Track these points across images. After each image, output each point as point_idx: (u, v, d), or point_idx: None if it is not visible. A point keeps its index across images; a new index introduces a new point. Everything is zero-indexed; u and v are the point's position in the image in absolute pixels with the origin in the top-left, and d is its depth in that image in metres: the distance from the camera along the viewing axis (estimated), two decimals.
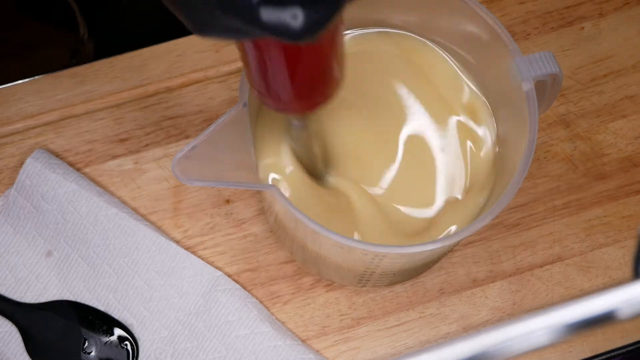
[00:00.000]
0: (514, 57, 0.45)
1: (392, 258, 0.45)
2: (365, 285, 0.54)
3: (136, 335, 0.53)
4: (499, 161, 0.50)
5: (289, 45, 0.34)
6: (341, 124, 0.50)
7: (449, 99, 0.50)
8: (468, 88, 0.51)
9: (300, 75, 0.37)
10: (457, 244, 0.55)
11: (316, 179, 0.48)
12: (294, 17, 0.28)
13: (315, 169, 0.48)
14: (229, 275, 0.54)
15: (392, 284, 0.55)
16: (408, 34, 0.51)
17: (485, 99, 0.50)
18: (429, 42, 0.51)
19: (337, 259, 0.48)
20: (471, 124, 0.50)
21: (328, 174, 0.49)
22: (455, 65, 0.51)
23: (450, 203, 0.49)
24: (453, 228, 0.48)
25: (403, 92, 0.51)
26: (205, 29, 0.31)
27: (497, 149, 0.50)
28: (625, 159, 0.59)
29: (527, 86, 0.45)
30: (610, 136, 0.59)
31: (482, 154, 0.50)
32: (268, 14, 0.28)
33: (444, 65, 0.51)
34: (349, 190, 0.48)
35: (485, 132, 0.50)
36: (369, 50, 0.52)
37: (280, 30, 0.29)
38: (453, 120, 0.50)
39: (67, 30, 0.74)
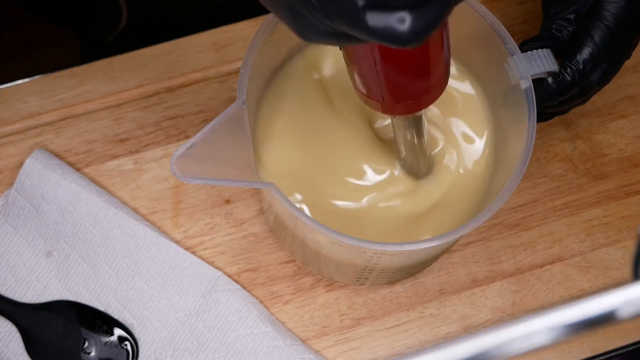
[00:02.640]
0: (512, 55, 0.45)
1: (391, 255, 0.46)
2: (364, 284, 0.54)
3: (136, 335, 0.53)
4: (497, 160, 0.50)
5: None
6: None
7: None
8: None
9: (416, 74, 0.37)
10: (456, 241, 0.55)
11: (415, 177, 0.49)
12: (401, 22, 0.27)
13: (421, 170, 0.48)
14: (229, 275, 0.54)
15: (391, 281, 0.55)
16: None
17: (483, 98, 0.51)
18: None
19: (337, 256, 0.48)
20: (465, 121, 0.50)
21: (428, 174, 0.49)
22: (454, 64, 0.51)
23: (448, 200, 0.49)
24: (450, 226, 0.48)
25: None
26: (310, 34, 0.31)
27: (490, 148, 0.50)
28: (625, 159, 0.59)
29: (525, 84, 0.45)
30: (610, 136, 0.59)
31: (476, 151, 0.50)
32: (374, 19, 0.28)
33: None
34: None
35: (479, 131, 0.50)
36: None
37: (386, 36, 0.28)
38: (448, 119, 0.50)
39: (75, 29, 0.74)
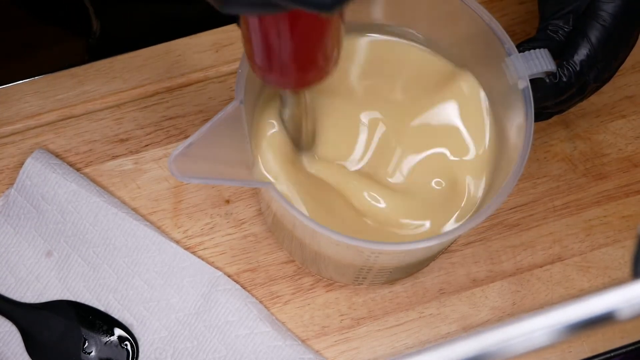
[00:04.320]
0: (510, 55, 0.46)
1: (389, 254, 0.46)
2: (362, 283, 0.54)
3: (136, 335, 0.53)
4: (495, 160, 0.50)
5: (302, 18, 0.35)
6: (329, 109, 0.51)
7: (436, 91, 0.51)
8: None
9: (306, 48, 0.38)
10: (454, 240, 0.55)
11: (301, 154, 0.49)
12: None
13: (303, 145, 0.49)
14: (229, 276, 0.54)
15: (390, 281, 0.55)
16: (402, 40, 0.52)
17: (481, 98, 0.51)
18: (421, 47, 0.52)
19: (335, 256, 0.48)
20: (460, 118, 0.51)
21: (314, 152, 0.50)
22: (452, 64, 0.51)
23: (445, 197, 0.49)
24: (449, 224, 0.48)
25: (385, 84, 0.51)
26: (231, 4, 0.32)
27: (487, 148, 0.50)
28: (625, 159, 0.59)
29: (523, 84, 0.45)
30: (610, 136, 0.59)
31: (473, 149, 0.50)
32: None
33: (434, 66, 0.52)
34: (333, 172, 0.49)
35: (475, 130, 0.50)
36: (364, 54, 0.52)
37: (312, 2, 0.29)
38: (443, 114, 0.51)
39: (73, 29, 0.74)
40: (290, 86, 0.42)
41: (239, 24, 0.40)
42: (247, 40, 0.39)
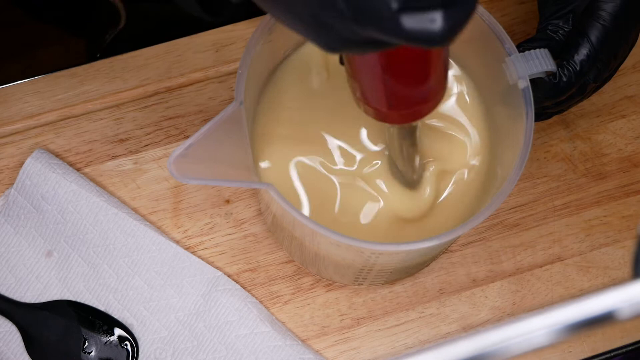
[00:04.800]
0: (510, 55, 0.45)
1: (389, 254, 0.46)
2: (362, 284, 0.54)
3: (136, 335, 0.53)
4: (495, 160, 0.50)
5: (416, 50, 0.34)
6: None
7: None
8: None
9: (426, 76, 0.37)
10: (454, 241, 0.55)
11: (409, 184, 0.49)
12: (432, 22, 0.28)
13: (413, 178, 0.49)
14: (229, 275, 0.54)
15: (390, 281, 0.55)
16: None
17: (480, 98, 0.51)
18: None
19: (335, 257, 0.48)
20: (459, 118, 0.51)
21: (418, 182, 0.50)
22: (452, 64, 0.51)
23: (445, 200, 0.49)
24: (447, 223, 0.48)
25: None
26: (336, 44, 0.31)
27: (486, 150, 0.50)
28: (625, 159, 0.59)
29: (523, 84, 0.45)
30: (610, 136, 0.59)
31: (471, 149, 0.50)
32: (410, 21, 0.28)
33: None
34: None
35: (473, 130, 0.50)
36: None
37: (421, 37, 0.28)
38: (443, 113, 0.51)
39: (73, 29, 0.74)
40: (411, 119, 0.41)
41: (342, 62, 0.39)
42: (359, 81, 0.38)
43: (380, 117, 0.40)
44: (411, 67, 0.36)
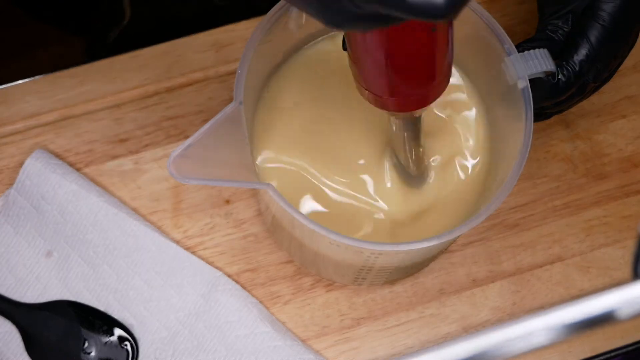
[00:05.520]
0: (509, 55, 0.45)
1: (389, 254, 0.46)
2: (362, 284, 0.54)
3: (136, 335, 0.53)
4: (495, 160, 0.50)
5: (420, 31, 0.34)
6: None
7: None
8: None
9: (431, 58, 0.37)
10: (453, 241, 0.55)
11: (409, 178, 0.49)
12: None
13: (416, 171, 0.48)
14: (229, 276, 0.54)
15: (389, 281, 0.55)
16: None
17: (480, 98, 0.51)
18: None
19: (335, 257, 0.48)
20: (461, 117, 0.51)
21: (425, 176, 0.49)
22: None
23: (445, 200, 0.49)
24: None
25: None
26: (338, 20, 0.31)
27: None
28: (625, 159, 0.59)
29: (523, 84, 0.45)
30: (610, 136, 0.59)
31: (472, 149, 0.50)
32: None
33: None
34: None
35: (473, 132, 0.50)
36: None
37: (424, 10, 0.28)
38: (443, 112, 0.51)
39: (73, 29, 0.74)
40: (413, 107, 0.40)
41: (344, 47, 0.39)
42: (361, 67, 0.38)
43: (382, 104, 0.40)
44: (413, 51, 0.36)
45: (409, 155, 0.47)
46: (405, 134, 0.45)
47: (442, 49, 0.37)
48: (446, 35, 0.37)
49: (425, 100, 0.40)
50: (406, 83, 0.38)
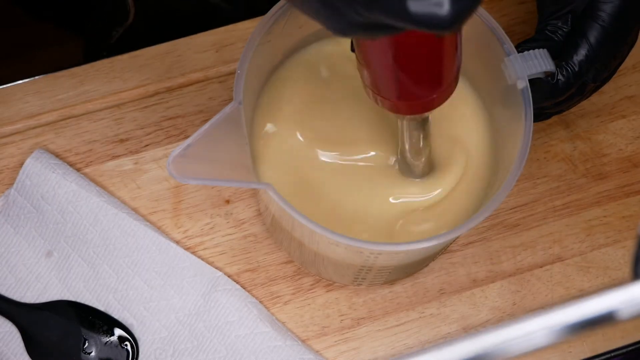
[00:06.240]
0: (509, 55, 0.45)
1: (388, 254, 0.46)
2: (361, 284, 0.54)
3: (136, 335, 0.53)
4: (494, 160, 0.50)
5: (427, 38, 0.34)
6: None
7: None
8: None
9: (439, 61, 0.37)
10: (453, 241, 0.55)
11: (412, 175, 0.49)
12: (439, 6, 0.28)
13: (419, 172, 0.49)
14: (229, 276, 0.54)
15: (389, 281, 0.55)
16: None
17: (479, 98, 0.51)
18: None
19: (335, 257, 0.48)
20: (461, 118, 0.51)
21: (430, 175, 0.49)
22: None
23: (445, 200, 0.49)
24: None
25: None
26: (344, 28, 0.31)
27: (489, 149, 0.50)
28: (625, 159, 0.59)
29: (522, 84, 0.45)
30: (610, 136, 0.59)
31: (473, 150, 0.50)
32: (416, 5, 0.28)
33: None
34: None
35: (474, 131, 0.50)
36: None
37: (428, 21, 0.28)
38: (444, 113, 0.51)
39: (73, 29, 0.74)
40: (421, 110, 0.40)
41: (352, 49, 0.39)
42: (370, 70, 0.38)
43: (390, 107, 0.40)
44: (421, 56, 0.36)
45: (414, 155, 0.47)
46: (412, 134, 0.45)
47: (451, 53, 0.37)
48: (455, 39, 0.37)
49: (434, 103, 0.40)
50: (415, 86, 0.38)
